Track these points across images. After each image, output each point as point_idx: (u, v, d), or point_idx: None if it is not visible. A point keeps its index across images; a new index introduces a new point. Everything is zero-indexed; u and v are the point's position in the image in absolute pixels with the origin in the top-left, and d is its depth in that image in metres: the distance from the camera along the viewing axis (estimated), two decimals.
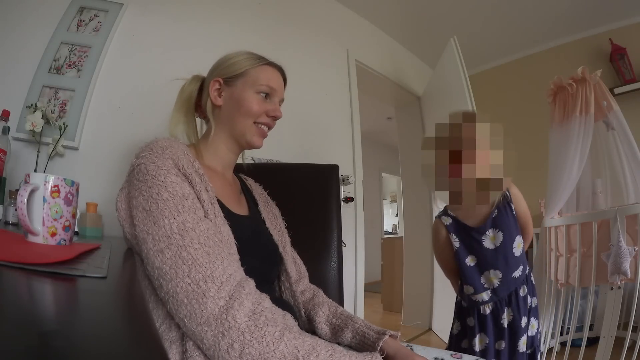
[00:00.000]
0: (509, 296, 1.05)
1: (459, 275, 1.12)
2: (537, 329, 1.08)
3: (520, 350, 1.03)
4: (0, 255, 0.40)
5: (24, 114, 1.16)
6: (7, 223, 0.91)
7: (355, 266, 2.02)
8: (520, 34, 2.84)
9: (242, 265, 0.57)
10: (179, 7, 1.58)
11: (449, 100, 2.40)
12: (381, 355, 0.56)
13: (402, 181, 3.21)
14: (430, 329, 2.70)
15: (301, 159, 1.65)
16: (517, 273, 1.04)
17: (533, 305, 1.08)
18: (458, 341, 1.16)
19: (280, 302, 0.65)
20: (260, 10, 1.90)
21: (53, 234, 0.52)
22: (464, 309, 1.14)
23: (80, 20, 1.35)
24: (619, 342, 1.48)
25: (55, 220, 0.52)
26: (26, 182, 0.51)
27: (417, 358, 0.61)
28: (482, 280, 1.06)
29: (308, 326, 0.77)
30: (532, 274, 1.12)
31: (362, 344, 0.67)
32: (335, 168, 1.19)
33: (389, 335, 0.64)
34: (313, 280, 0.87)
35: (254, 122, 0.73)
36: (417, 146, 3.26)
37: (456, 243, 1.09)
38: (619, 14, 2.54)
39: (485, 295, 1.06)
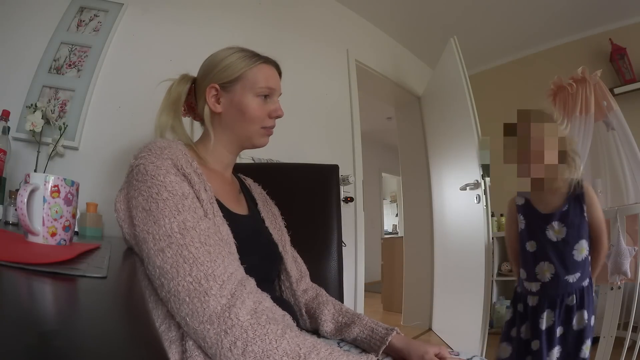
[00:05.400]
0: (554, 299, 1.00)
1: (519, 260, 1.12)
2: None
3: None
4: (0, 255, 0.40)
5: (24, 114, 1.16)
6: (7, 223, 0.91)
7: (355, 266, 2.02)
8: (520, 34, 2.83)
9: (242, 264, 0.58)
10: (179, 7, 1.58)
11: (449, 100, 2.40)
12: (389, 348, 0.59)
13: (402, 181, 3.21)
14: (430, 329, 2.70)
15: (301, 159, 1.65)
16: (571, 278, 1.00)
17: (591, 324, 1.00)
18: (508, 329, 1.13)
19: (280, 301, 0.65)
20: (260, 10, 1.90)
21: (53, 234, 0.52)
22: (517, 295, 1.13)
23: (80, 20, 1.35)
24: (619, 342, 1.48)
25: (55, 220, 0.52)
26: (26, 182, 0.51)
27: (430, 346, 0.63)
28: (537, 269, 1.05)
29: (310, 324, 0.78)
30: (593, 292, 1.03)
31: (369, 339, 0.67)
32: (335, 168, 1.19)
33: (396, 333, 0.66)
34: (313, 280, 0.87)
35: (261, 127, 0.72)
36: (418, 146, 3.24)
37: (522, 224, 1.12)
38: (619, 14, 2.53)
39: (534, 287, 1.05)
